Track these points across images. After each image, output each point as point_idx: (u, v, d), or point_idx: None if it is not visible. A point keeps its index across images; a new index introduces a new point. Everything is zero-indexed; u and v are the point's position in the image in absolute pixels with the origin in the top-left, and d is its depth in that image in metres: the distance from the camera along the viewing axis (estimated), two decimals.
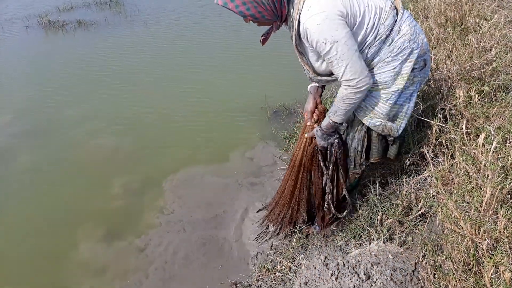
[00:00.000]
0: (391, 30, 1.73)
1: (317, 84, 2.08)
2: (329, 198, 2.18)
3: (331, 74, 1.83)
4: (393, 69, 1.77)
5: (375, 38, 1.72)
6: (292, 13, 1.67)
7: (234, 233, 2.64)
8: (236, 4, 1.58)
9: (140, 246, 2.62)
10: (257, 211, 2.70)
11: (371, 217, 2.29)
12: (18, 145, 3.79)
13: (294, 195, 2.30)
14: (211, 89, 4.66)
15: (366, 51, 1.74)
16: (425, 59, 1.84)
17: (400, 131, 1.94)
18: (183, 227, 2.74)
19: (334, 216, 2.26)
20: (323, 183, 2.17)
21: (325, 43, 1.60)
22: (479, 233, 1.36)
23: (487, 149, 1.74)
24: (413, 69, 1.80)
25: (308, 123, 2.10)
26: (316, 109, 2.08)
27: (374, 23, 1.71)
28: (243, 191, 3.01)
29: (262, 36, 1.85)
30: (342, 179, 2.15)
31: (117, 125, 4.06)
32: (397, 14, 1.77)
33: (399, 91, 1.82)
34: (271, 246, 2.46)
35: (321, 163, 2.09)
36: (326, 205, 2.21)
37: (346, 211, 2.23)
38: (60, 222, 2.86)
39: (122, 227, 2.77)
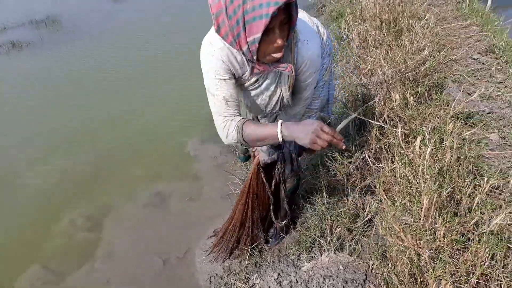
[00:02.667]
0: None
1: None
2: (272, 209, 2.24)
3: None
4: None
5: None
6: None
7: (185, 259, 2.54)
8: None
9: (86, 281, 2.45)
10: (208, 238, 2.62)
11: (321, 227, 2.26)
12: None
13: (247, 219, 2.28)
14: (158, 104, 4.53)
15: None
16: (328, 48, 1.82)
17: (330, 114, 2.02)
18: (132, 259, 2.60)
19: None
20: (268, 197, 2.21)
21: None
22: (420, 243, 1.35)
23: (424, 152, 1.75)
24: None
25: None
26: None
27: None
28: (193, 215, 2.91)
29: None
30: (283, 190, 2.18)
31: (65, 145, 3.85)
32: None
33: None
34: (224, 268, 2.37)
35: (264, 179, 2.11)
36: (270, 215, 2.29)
37: (285, 221, 2.33)
38: None
39: (66, 267, 2.58)
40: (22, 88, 5.25)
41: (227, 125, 1.47)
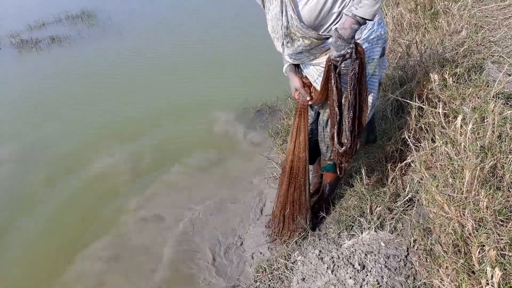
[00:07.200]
0: None
1: (290, 61, 1.90)
2: (335, 128, 1.81)
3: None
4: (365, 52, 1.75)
5: None
6: None
7: (229, 237, 2.66)
8: None
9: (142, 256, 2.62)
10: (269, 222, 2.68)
11: (361, 207, 2.32)
12: (6, 172, 3.69)
13: (288, 198, 2.28)
14: (191, 93, 4.69)
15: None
16: (384, 47, 1.87)
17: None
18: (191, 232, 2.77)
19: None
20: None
21: None
22: (464, 214, 1.40)
23: (465, 130, 1.78)
24: None
25: (301, 100, 1.92)
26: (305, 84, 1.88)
27: None
28: (237, 195, 3.03)
29: None
30: (364, 105, 1.78)
31: (113, 138, 4.01)
32: None
33: (368, 76, 1.81)
34: (267, 246, 2.48)
35: (337, 80, 1.70)
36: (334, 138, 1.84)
37: (358, 146, 1.89)
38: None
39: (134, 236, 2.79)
40: (78, 80, 5.49)
41: None
